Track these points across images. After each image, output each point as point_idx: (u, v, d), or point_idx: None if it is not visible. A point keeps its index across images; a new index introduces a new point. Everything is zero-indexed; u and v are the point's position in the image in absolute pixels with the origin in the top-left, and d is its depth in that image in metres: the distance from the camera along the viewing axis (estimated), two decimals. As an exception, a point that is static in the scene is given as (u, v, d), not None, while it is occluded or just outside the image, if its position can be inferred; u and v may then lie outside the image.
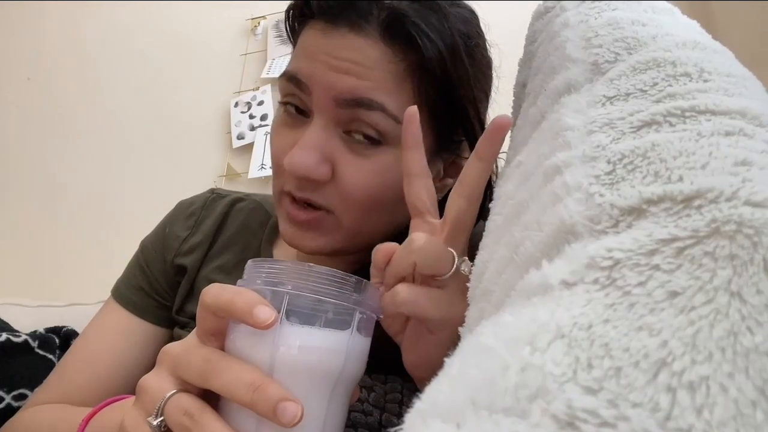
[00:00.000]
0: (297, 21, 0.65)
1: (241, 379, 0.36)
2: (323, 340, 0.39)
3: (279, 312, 0.37)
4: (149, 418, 0.38)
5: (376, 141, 0.58)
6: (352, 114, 0.57)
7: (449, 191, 0.66)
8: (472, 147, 0.64)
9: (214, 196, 0.83)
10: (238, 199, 0.82)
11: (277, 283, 0.39)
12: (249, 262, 0.43)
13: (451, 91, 0.61)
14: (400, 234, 0.66)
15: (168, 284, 0.76)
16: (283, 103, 0.63)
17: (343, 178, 0.58)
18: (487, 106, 0.68)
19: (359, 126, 0.58)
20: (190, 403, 0.38)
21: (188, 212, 0.81)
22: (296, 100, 0.61)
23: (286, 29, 0.68)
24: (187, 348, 0.40)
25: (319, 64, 0.58)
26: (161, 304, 0.76)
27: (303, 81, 0.59)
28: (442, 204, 0.68)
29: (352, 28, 0.58)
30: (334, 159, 0.58)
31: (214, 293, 0.39)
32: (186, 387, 0.39)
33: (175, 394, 0.38)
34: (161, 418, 0.38)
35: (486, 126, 0.57)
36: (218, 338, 0.40)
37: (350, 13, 0.58)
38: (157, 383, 0.40)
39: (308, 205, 0.60)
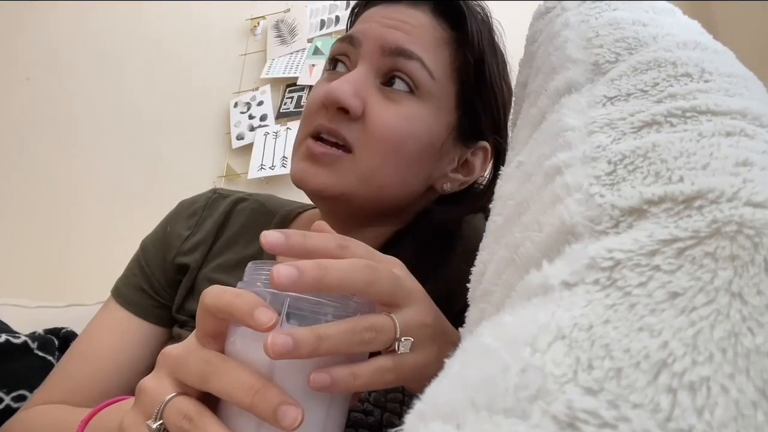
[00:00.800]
0: (360, 8, 0.74)
1: (241, 382, 0.36)
2: None
3: (279, 314, 0.37)
4: (148, 421, 0.38)
5: (408, 90, 0.65)
6: (393, 63, 0.64)
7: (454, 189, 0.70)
8: (495, 144, 0.72)
9: (216, 195, 0.83)
10: (240, 199, 0.82)
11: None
12: (249, 264, 0.42)
13: (482, 73, 0.69)
14: (395, 214, 0.70)
15: (168, 283, 0.76)
16: (331, 62, 0.70)
17: (371, 117, 0.63)
18: (510, 105, 0.71)
19: (396, 74, 0.64)
20: (189, 406, 0.37)
21: (190, 211, 0.81)
22: (342, 57, 0.68)
23: (349, 22, 0.77)
24: (187, 350, 0.40)
25: (374, 23, 0.66)
26: (161, 303, 0.76)
27: (356, 37, 0.66)
28: (448, 198, 0.71)
29: (409, 3, 0.69)
30: (367, 100, 0.63)
31: (215, 295, 0.39)
32: (185, 390, 0.39)
33: (175, 397, 0.38)
34: (160, 421, 0.38)
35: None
36: (218, 340, 0.40)
37: None
38: (157, 386, 0.40)
39: (332, 144, 0.63)
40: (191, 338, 0.41)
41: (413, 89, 0.64)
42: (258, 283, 0.40)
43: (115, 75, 2.22)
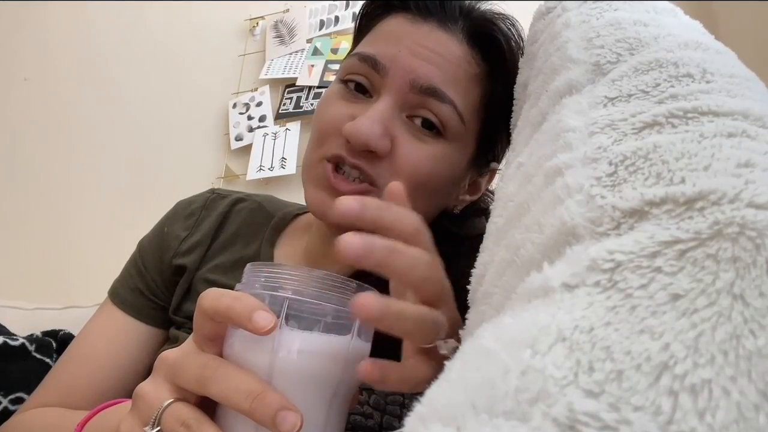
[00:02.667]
0: (381, 9, 0.67)
1: (239, 387, 0.36)
2: (323, 346, 0.38)
3: (278, 317, 0.37)
4: (146, 428, 0.38)
5: (436, 131, 0.61)
6: (422, 101, 0.60)
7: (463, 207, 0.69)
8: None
9: (214, 195, 0.83)
10: (239, 200, 0.82)
11: (277, 287, 0.38)
12: (248, 265, 0.42)
13: (510, 106, 0.62)
14: None
15: (165, 285, 0.76)
16: (344, 80, 0.64)
17: (400, 155, 0.60)
18: None
19: (425, 113, 0.60)
20: (187, 412, 0.37)
21: (188, 212, 0.80)
22: (362, 78, 0.62)
23: (361, 16, 0.70)
24: (184, 354, 0.40)
25: (404, 49, 0.60)
26: (158, 305, 0.75)
27: (381, 62, 0.60)
28: (456, 217, 0.70)
29: (441, 24, 0.62)
30: (394, 136, 0.60)
31: (213, 298, 0.38)
32: (183, 395, 0.39)
33: (173, 403, 0.38)
34: (158, 427, 0.37)
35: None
36: (216, 344, 0.40)
37: (442, 11, 0.62)
38: (154, 391, 0.39)
39: (356, 177, 0.60)
40: (189, 342, 0.41)
41: (441, 131, 0.61)
42: (256, 285, 0.39)
43: (113, 75, 2.22)
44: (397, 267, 0.37)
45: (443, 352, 0.39)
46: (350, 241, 0.34)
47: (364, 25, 0.69)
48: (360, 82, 0.62)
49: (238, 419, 0.37)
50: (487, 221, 0.61)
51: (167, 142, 2.10)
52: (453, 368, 0.25)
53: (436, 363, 0.39)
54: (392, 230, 0.39)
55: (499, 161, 0.71)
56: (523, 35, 0.66)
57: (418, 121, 0.60)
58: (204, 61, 2.17)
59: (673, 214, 0.25)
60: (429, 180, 0.61)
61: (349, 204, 0.37)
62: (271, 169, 1.90)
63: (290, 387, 0.37)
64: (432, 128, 0.61)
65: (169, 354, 0.41)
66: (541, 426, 0.19)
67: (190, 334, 0.41)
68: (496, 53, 0.63)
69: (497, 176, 0.69)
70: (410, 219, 0.41)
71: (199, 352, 0.39)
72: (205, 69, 2.16)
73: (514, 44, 0.65)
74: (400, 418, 0.54)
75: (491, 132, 0.67)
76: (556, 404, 0.19)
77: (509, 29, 0.65)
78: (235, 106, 2.06)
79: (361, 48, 0.64)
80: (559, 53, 0.43)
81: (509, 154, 0.51)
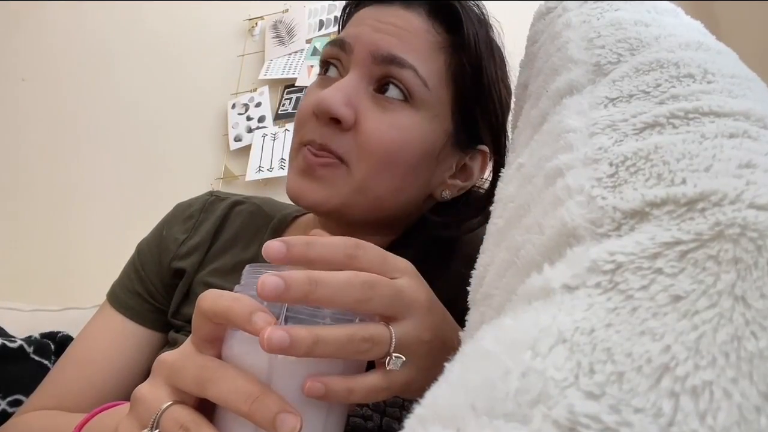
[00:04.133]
0: (353, 6, 0.72)
1: (239, 389, 0.36)
2: None
3: (278, 318, 0.37)
4: (144, 431, 0.38)
5: (402, 99, 0.62)
6: (386, 70, 0.62)
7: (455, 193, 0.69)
8: (494, 149, 0.70)
9: (213, 198, 0.82)
10: (237, 202, 0.82)
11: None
12: (246, 267, 0.42)
13: (479, 78, 0.66)
14: (392, 226, 0.69)
15: (164, 288, 0.75)
16: (322, 66, 0.68)
17: (364, 127, 0.61)
18: (510, 107, 0.71)
19: (388, 82, 0.62)
20: (186, 415, 0.37)
21: (187, 214, 0.80)
22: (335, 62, 0.66)
23: (341, 22, 0.74)
24: (183, 356, 0.40)
25: (366, 27, 0.64)
26: (156, 308, 0.75)
27: (347, 41, 0.64)
28: (447, 205, 0.70)
29: (404, 5, 0.66)
30: (359, 109, 0.61)
31: (211, 299, 0.38)
32: (182, 397, 0.39)
33: (171, 406, 0.38)
34: (156, 430, 0.37)
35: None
36: (215, 346, 0.40)
37: None
38: (152, 393, 0.39)
39: (321, 151, 0.61)
40: (187, 344, 0.41)
41: (407, 97, 0.62)
42: (255, 287, 0.40)
43: (111, 76, 2.22)
44: (322, 296, 0.37)
45: (389, 367, 0.40)
46: (265, 281, 0.35)
47: (342, 24, 0.73)
48: (333, 64, 0.66)
49: (237, 422, 0.37)
50: (478, 220, 0.62)
51: (166, 142, 2.10)
52: (453, 370, 0.25)
53: (389, 373, 0.41)
54: (322, 262, 0.39)
55: (486, 144, 0.71)
56: (485, 11, 0.70)
57: (386, 89, 0.62)
58: (203, 62, 2.17)
59: (674, 215, 0.25)
60: (399, 150, 0.62)
61: (274, 247, 0.38)
62: (270, 169, 1.90)
63: (289, 389, 0.37)
64: (398, 96, 0.62)
65: (168, 356, 0.41)
66: (541, 428, 0.19)
67: (188, 336, 0.41)
68: (456, 23, 0.65)
69: (497, 179, 0.69)
70: (337, 247, 0.41)
71: (198, 354, 0.39)
72: (204, 69, 2.16)
73: (473, 15, 0.67)
74: (399, 420, 0.54)
75: (466, 106, 0.67)
76: (557, 406, 0.19)
77: (472, 5, 0.68)
78: (234, 106, 2.06)
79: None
80: (559, 53, 0.43)
81: (509, 155, 0.51)
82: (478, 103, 0.67)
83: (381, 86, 0.63)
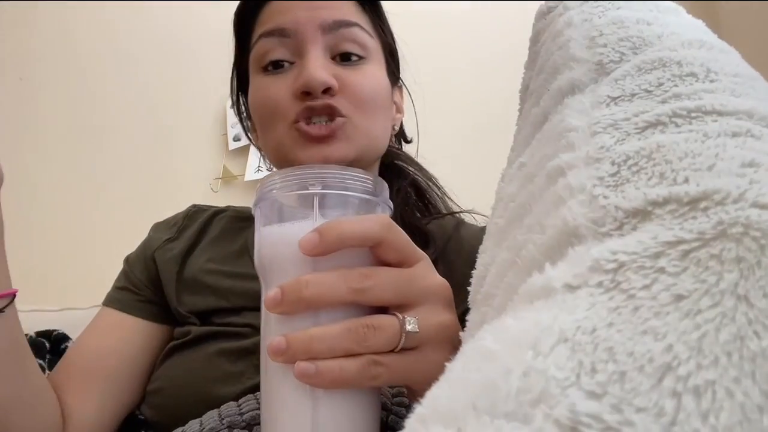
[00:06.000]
0: (252, 10, 0.75)
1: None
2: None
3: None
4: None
5: (360, 55, 0.72)
6: (337, 36, 0.70)
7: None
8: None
9: (195, 209, 0.88)
10: (218, 211, 0.87)
11: (307, 185, 0.42)
12: (263, 181, 0.45)
13: (386, 22, 0.80)
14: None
15: (149, 279, 0.78)
16: (263, 68, 0.72)
17: (347, 85, 0.69)
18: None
19: (345, 44, 0.71)
20: None
21: (171, 222, 0.85)
22: (279, 53, 0.71)
23: (238, 22, 0.79)
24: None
25: (299, 10, 0.70)
26: (145, 297, 0.77)
27: (288, 27, 0.69)
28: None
29: None
30: (335, 75, 0.68)
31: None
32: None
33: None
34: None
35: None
36: None
37: None
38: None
39: (325, 121, 0.68)
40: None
41: (363, 53, 0.72)
42: (292, 186, 0.42)
43: (109, 75, 2.21)
44: (313, 295, 0.39)
45: (408, 328, 0.40)
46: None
47: (243, 27, 0.78)
48: (278, 59, 0.71)
49: (287, 378, 0.38)
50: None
51: (165, 142, 2.09)
52: (454, 369, 0.25)
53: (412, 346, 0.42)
54: (361, 240, 0.41)
55: (398, 77, 0.84)
56: None
57: (342, 56, 0.71)
58: (201, 61, 2.16)
59: (677, 214, 0.25)
60: (378, 95, 0.73)
61: (308, 240, 0.39)
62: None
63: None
64: (356, 56, 0.71)
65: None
66: (542, 427, 0.19)
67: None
68: None
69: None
70: (372, 222, 0.42)
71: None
72: (202, 69, 2.15)
73: None
74: (405, 419, 0.54)
75: (386, 46, 0.79)
76: (558, 405, 0.19)
77: None
78: (232, 106, 2.05)
79: (259, 31, 0.73)
80: (561, 52, 0.43)
81: (510, 154, 0.50)
82: (392, 42, 0.81)
83: (338, 53, 0.71)
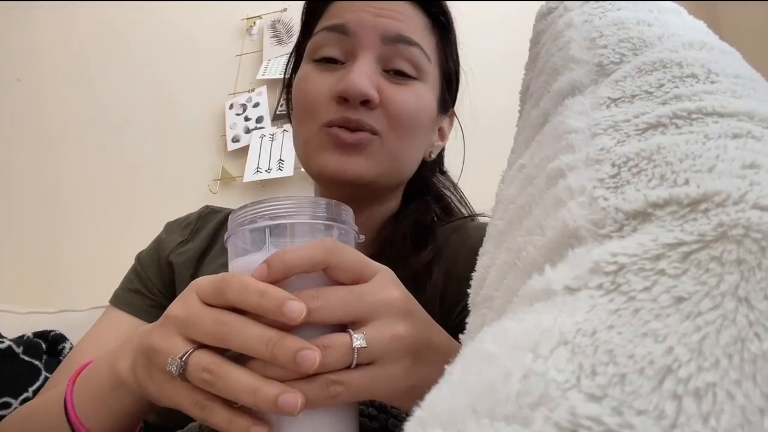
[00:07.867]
0: (322, 2, 0.76)
1: (260, 336, 0.38)
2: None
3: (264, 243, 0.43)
4: (171, 369, 0.40)
5: (412, 75, 0.71)
6: (394, 50, 0.69)
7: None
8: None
9: (209, 210, 0.88)
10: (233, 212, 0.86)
11: (257, 219, 0.44)
12: (235, 210, 0.47)
13: (456, 50, 0.79)
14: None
15: (162, 284, 0.77)
16: (316, 60, 0.71)
17: (389, 102, 0.68)
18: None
19: (399, 61, 0.70)
20: (209, 358, 0.40)
21: (185, 223, 0.85)
22: (333, 50, 0.70)
23: (306, 17, 0.79)
24: (194, 309, 0.42)
25: (366, 13, 0.69)
26: (158, 303, 0.76)
27: (349, 26, 0.69)
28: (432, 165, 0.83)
29: None
30: (380, 88, 0.68)
31: (238, 290, 0.40)
32: (196, 345, 0.41)
33: (194, 352, 0.40)
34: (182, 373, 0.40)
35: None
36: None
37: None
38: (168, 343, 0.42)
39: (357, 129, 0.67)
40: (192, 296, 0.43)
41: (417, 71, 0.70)
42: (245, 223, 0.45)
43: (107, 76, 2.21)
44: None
45: (355, 345, 0.40)
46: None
47: (311, 17, 0.78)
48: (331, 56, 0.70)
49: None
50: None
51: (163, 143, 2.08)
52: (454, 372, 0.25)
53: (369, 369, 0.42)
54: (306, 266, 0.42)
55: (452, 105, 0.83)
56: None
57: (397, 67, 0.70)
58: (200, 62, 2.16)
59: (677, 216, 0.25)
60: (417, 119, 0.71)
61: (259, 272, 0.41)
62: (268, 171, 1.89)
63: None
64: (407, 75, 0.70)
65: (177, 310, 0.43)
66: (542, 430, 0.19)
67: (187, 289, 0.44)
68: (437, 5, 0.75)
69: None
70: (315, 248, 0.42)
71: (209, 308, 0.42)
72: (201, 69, 2.15)
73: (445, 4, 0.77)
74: (404, 421, 0.53)
75: (446, 74, 0.78)
76: (558, 408, 0.19)
77: None
78: (231, 107, 2.05)
79: (323, 23, 0.73)
80: (561, 53, 0.43)
81: (510, 156, 0.50)
82: (455, 70, 0.80)
83: (390, 67, 0.69)
